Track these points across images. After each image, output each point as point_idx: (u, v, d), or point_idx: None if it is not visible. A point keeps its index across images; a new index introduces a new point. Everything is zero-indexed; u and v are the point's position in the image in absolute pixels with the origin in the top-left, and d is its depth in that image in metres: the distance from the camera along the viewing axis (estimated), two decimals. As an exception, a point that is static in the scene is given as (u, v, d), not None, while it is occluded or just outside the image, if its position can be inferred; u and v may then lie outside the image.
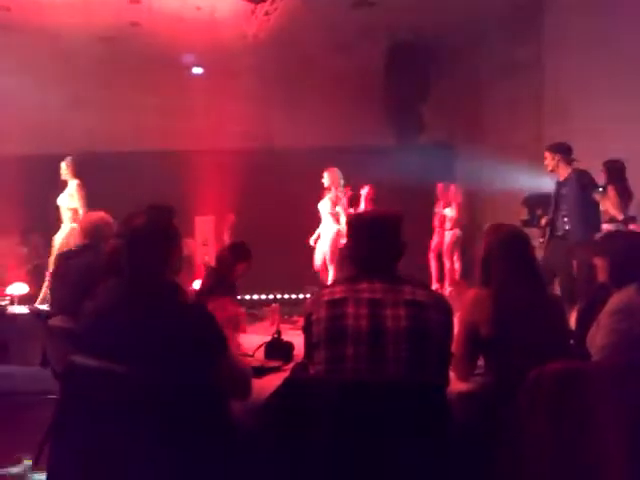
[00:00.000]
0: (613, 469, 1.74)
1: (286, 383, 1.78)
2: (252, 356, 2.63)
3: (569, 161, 4.89)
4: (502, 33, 7.59)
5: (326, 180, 6.22)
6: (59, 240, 5.91)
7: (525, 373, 1.83)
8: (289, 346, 2.63)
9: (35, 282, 6.14)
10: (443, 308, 1.96)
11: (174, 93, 8.00)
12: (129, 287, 1.91)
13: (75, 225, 5.91)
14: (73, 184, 5.98)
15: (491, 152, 7.78)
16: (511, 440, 1.91)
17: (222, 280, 3.66)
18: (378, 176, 6.72)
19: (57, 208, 6.01)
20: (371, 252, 2.01)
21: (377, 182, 6.73)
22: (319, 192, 6.32)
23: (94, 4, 6.55)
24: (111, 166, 7.38)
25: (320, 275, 6.28)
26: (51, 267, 5.88)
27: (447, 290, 6.88)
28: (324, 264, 6.24)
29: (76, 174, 6.02)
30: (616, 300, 2.28)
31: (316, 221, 6.34)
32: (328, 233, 6.21)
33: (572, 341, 2.49)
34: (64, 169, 6.06)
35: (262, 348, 2.67)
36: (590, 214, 4.80)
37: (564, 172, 4.90)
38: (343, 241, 5.86)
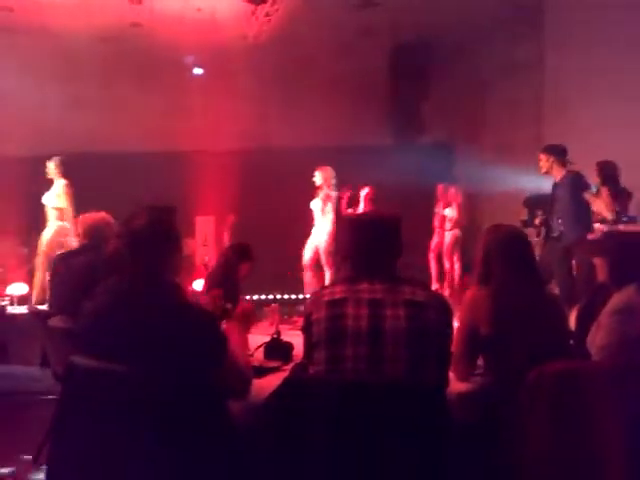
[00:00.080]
0: (613, 469, 1.74)
1: (285, 383, 1.78)
2: (252, 356, 2.63)
3: (563, 163, 4.90)
4: (503, 33, 7.59)
5: (318, 179, 6.14)
6: (46, 239, 5.92)
7: (525, 373, 1.83)
8: (288, 346, 2.63)
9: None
10: (443, 308, 1.96)
11: (175, 94, 8.01)
12: (129, 287, 1.91)
13: (62, 224, 5.92)
14: (60, 184, 5.99)
15: (491, 152, 7.79)
16: (511, 440, 1.92)
17: (226, 280, 3.67)
18: (378, 176, 6.72)
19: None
20: (371, 252, 2.02)
21: (377, 182, 6.73)
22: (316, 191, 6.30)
23: (95, 5, 6.56)
24: (111, 166, 7.39)
25: (305, 272, 6.16)
26: (39, 267, 5.92)
27: (447, 290, 6.89)
28: (312, 262, 6.15)
29: (64, 174, 6.03)
30: (616, 300, 2.28)
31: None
32: (321, 234, 6.13)
33: (572, 341, 2.49)
34: (52, 169, 6.07)
35: (262, 348, 2.67)
36: (583, 215, 4.83)
37: (558, 174, 4.92)
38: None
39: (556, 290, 4.65)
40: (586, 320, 2.43)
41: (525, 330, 2.18)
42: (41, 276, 5.89)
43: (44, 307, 4.24)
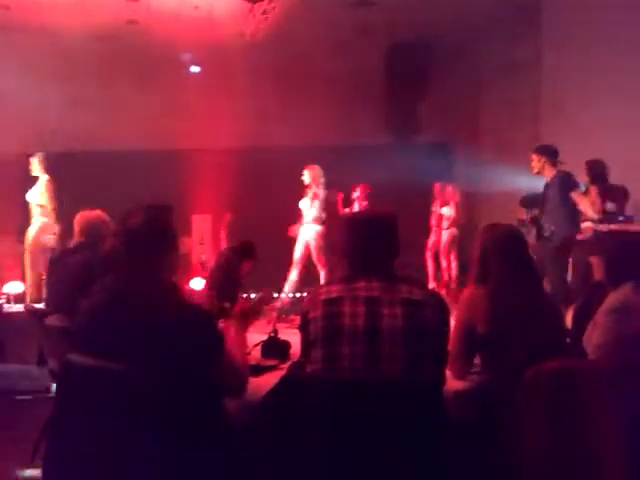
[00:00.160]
0: (610, 467, 1.75)
1: (283, 382, 1.78)
2: (249, 354, 2.63)
3: (554, 163, 4.93)
4: (500, 33, 7.60)
5: (306, 178, 6.11)
6: (32, 235, 5.90)
7: (521, 372, 1.83)
8: (286, 345, 2.63)
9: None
10: (439, 307, 1.96)
11: (171, 92, 7.99)
12: (126, 285, 1.91)
13: (45, 220, 5.91)
14: (43, 180, 5.96)
15: (489, 152, 7.80)
16: (507, 438, 1.92)
17: (228, 279, 3.67)
18: (376, 175, 6.73)
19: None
20: (368, 251, 2.02)
21: (375, 181, 6.74)
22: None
23: (92, 2, 6.54)
24: (108, 165, 7.38)
25: (292, 269, 6.11)
26: (27, 263, 5.91)
27: (443, 289, 6.90)
28: (302, 260, 6.12)
29: (47, 170, 6.01)
30: (612, 299, 2.28)
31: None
32: (310, 233, 6.09)
33: (568, 340, 2.49)
34: (35, 165, 6.04)
35: (259, 347, 2.67)
36: (573, 215, 4.86)
37: (549, 174, 4.94)
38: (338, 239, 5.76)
39: (547, 289, 4.67)
40: (583, 319, 2.43)
41: (522, 329, 2.18)
42: (31, 274, 5.88)
43: (40, 305, 4.23)
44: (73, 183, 7.10)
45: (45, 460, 1.80)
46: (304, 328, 1.99)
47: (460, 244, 7.25)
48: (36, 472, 2.57)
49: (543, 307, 2.31)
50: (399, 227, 2.07)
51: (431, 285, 7.09)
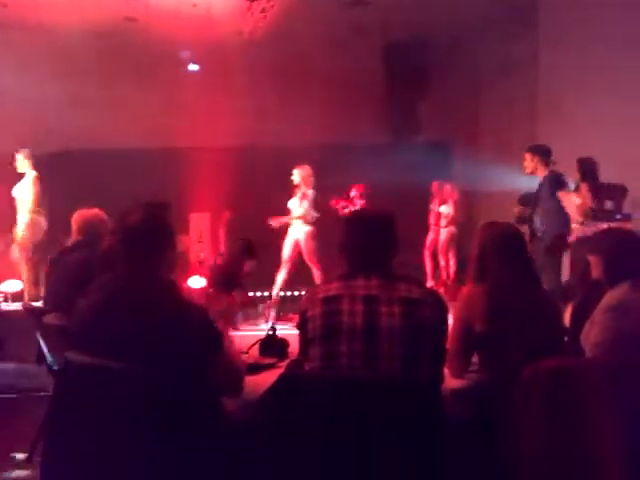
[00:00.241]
0: (607, 465, 1.75)
1: (281, 380, 1.78)
2: (246, 353, 2.63)
3: (547, 163, 4.94)
4: (497, 32, 7.60)
5: (296, 177, 6.01)
6: (20, 231, 5.87)
7: (519, 370, 1.84)
8: (284, 343, 2.63)
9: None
10: (438, 305, 1.96)
11: (170, 90, 7.98)
12: (124, 284, 1.90)
13: (33, 216, 5.88)
14: (31, 176, 5.93)
15: (487, 150, 7.81)
16: (505, 436, 1.92)
17: (230, 277, 3.67)
18: (375, 174, 6.72)
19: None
20: (367, 250, 2.02)
21: (373, 180, 6.73)
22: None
23: (91, 0, 6.53)
24: (106, 162, 7.36)
25: (280, 268, 6.03)
26: (16, 259, 5.89)
27: (442, 287, 6.91)
28: (291, 259, 6.02)
29: (34, 166, 5.94)
30: (610, 297, 2.28)
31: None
32: (299, 233, 5.99)
33: (566, 338, 2.49)
34: (21, 161, 5.97)
35: (257, 345, 2.67)
36: (563, 214, 4.87)
37: (542, 173, 4.96)
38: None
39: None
40: (580, 317, 2.44)
41: (520, 327, 2.19)
42: (26, 271, 5.86)
43: (38, 304, 4.23)
44: (71, 181, 7.10)
45: (43, 457, 1.80)
46: (302, 326, 1.99)
47: (458, 242, 7.26)
48: (23, 473, 2.58)
49: (541, 305, 2.31)
50: (398, 225, 2.07)
51: (429, 283, 7.10)
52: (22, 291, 5.92)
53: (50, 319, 3.02)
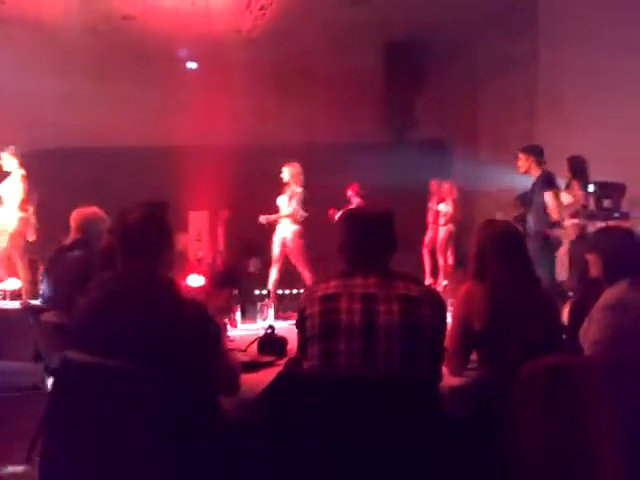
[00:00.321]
0: (606, 463, 1.75)
1: (279, 378, 1.78)
2: (245, 351, 2.63)
3: (541, 163, 4.94)
4: (498, 30, 7.60)
5: (285, 175, 5.88)
6: (11, 230, 5.83)
7: (518, 368, 1.84)
8: (282, 341, 2.63)
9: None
10: (436, 303, 1.96)
11: (168, 87, 7.98)
12: (122, 282, 1.90)
13: (23, 214, 5.85)
14: (18, 174, 5.88)
15: (486, 149, 7.81)
16: (504, 434, 1.92)
17: (231, 276, 3.67)
18: (373, 173, 6.73)
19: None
20: (365, 248, 2.02)
21: (372, 179, 6.73)
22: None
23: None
24: (104, 161, 7.36)
25: (271, 266, 5.93)
26: (16, 260, 5.87)
27: (441, 285, 6.91)
28: (280, 257, 5.91)
29: (21, 164, 5.84)
30: (608, 295, 2.29)
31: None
32: (286, 232, 5.86)
33: (565, 336, 2.50)
34: (8, 158, 5.85)
35: (255, 343, 2.67)
36: (547, 213, 4.87)
37: (536, 173, 4.96)
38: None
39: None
40: (579, 315, 2.44)
41: (519, 325, 2.19)
42: (23, 270, 5.84)
43: (36, 302, 4.22)
44: (69, 179, 7.09)
45: (42, 456, 1.79)
46: (301, 324, 1.99)
47: (457, 241, 7.26)
48: (19, 468, 2.57)
49: (540, 303, 2.31)
50: (396, 224, 2.07)
51: (428, 281, 7.10)
52: (20, 289, 5.91)
53: (48, 317, 3.01)
